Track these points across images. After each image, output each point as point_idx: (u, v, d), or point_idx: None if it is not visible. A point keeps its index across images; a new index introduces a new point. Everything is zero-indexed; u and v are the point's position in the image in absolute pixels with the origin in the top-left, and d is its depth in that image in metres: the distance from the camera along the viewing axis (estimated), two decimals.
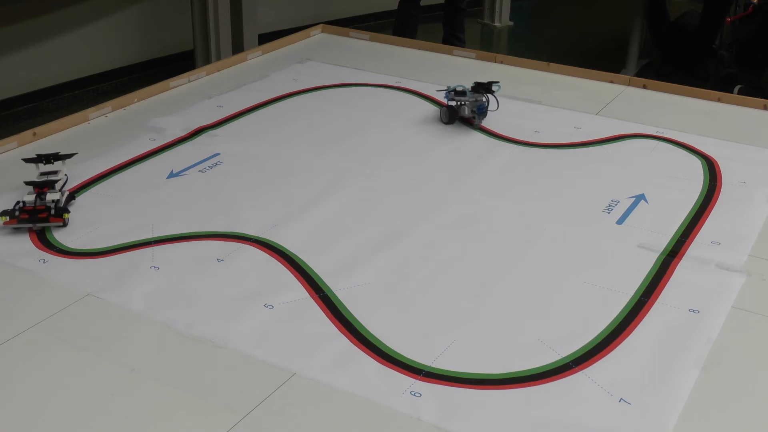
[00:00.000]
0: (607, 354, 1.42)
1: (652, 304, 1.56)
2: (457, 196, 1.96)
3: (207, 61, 4.57)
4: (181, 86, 2.62)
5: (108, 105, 2.42)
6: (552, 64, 2.81)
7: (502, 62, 2.86)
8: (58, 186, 1.85)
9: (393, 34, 4.32)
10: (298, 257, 1.69)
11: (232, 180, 2.03)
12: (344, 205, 1.91)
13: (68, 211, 1.79)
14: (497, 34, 6.14)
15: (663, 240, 1.77)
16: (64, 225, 1.77)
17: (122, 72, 4.81)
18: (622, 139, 2.29)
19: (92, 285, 1.59)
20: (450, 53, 2.97)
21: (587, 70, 2.77)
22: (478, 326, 1.49)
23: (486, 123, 2.36)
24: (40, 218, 1.75)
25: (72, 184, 1.97)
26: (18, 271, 1.64)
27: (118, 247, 1.72)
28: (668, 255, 1.72)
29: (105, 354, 1.41)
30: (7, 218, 1.74)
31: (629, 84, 2.68)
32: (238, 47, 4.70)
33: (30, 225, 1.75)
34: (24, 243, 1.73)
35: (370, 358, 1.40)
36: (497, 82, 2.35)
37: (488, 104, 2.33)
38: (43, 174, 1.89)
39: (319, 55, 2.94)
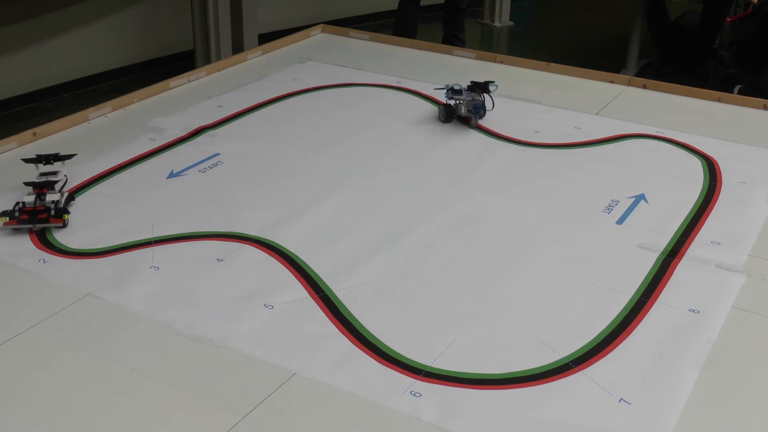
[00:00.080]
0: (607, 354, 1.42)
1: (652, 304, 1.56)
2: (457, 196, 1.96)
3: (207, 61, 4.57)
4: (181, 86, 2.62)
5: (108, 105, 2.42)
6: (552, 64, 2.81)
7: (502, 62, 2.86)
8: (57, 187, 1.85)
9: (393, 34, 4.32)
10: (298, 257, 1.69)
11: (232, 180, 2.03)
12: (344, 205, 1.91)
13: (68, 212, 1.79)
14: (497, 34, 6.15)
15: (663, 240, 1.77)
16: (64, 226, 1.77)
17: (122, 72, 4.81)
18: (622, 139, 2.29)
19: (92, 285, 1.59)
20: (450, 53, 2.97)
21: (587, 70, 2.77)
22: (478, 326, 1.49)
23: (486, 123, 2.36)
24: (39, 219, 1.75)
25: (72, 184, 1.97)
26: (18, 271, 1.64)
27: (118, 247, 1.72)
28: (668, 255, 1.72)
29: (105, 354, 1.41)
30: (7, 219, 1.74)
31: (629, 84, 2.68)
32: (238, 47, 4.70)
33: (30, 226, 1.75)
34: (24, 243, 1.73)
35: (370, 358, 1.40)
36: (493, 81, 2.36)
37: (485, 103, 2.34)
38: (42, 174, 1.89)
39: (319, 55, 2.94)
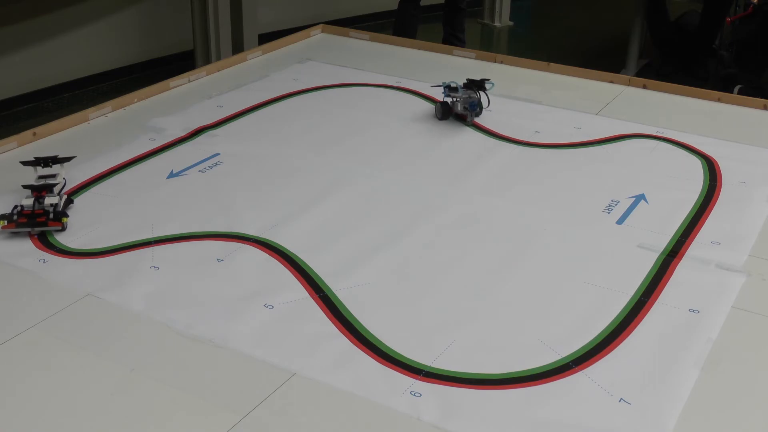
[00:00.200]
0: (607, 354, 1.42)
1: (652, 304, 1.56)
2: (457, 196, 1.96)
3: (207, 61, 4.57)
4: (181, 86, 2.62)
5: (108, 105, 2.42)
6: (552, 64, 2.81)
7: (502, 62, 2.86)
8: (56, 190, 1.84)
9: (393, 34, 4.33)
10: (298, 257, 1.69)
11: (232, 180, 2.03)
12: (344, 205, 1.91)
13: (67, 216, 1.78)
14: (497, 34, 6.15)
15: (663, 240, 1.77)
16: (63, 229, 1.76)
17: (122, 72, 4.81)
18: (622, 139, 2.29)
19: (92, 285, 1.59)
20: (450, 53, 2.97)
21: (587, 70, 2.77)
22: (478, 326, 1.49)
23: (486, 123, 2.36)
24: (38, 222, 1.74)
25: (72, 185, 1.97)
26: (18, 271, 1.64)
27: (118, 247, 1.72)
28: (668, 255, 1.72)
29: (105, 354, 1.41)
30: (5, 222, 1.73)
31: (629, 84, 2.68)
32: (238, 47, 4.70)
33: (28, 229, 1.74)
34: (24, 243, 1.73)
35: (370, 358, 1.40)
36: (489, 79, 2.36)
37: (481, 101, 2.34)
38: (41, 177, 1.88)
39: (319, 55, 2.94)
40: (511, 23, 6.23)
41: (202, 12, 4.62)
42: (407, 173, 2.08)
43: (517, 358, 1.41)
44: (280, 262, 1.67)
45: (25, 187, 1.83)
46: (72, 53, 4.58)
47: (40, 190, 1.81)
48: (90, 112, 2.37)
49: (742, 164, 2.13)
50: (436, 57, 2.94)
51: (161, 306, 1.53)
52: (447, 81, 2.37)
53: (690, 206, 1.92)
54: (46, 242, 1.73)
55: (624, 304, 1.56)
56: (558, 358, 1.41)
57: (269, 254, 1.70)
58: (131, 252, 1.70)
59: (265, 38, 4.35)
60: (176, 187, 1.99)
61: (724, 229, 1.82)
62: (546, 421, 1.27)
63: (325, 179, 2.03)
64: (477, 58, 2.91)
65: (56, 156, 1.94)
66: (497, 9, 6.16)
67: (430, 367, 1.38)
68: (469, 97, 2.33)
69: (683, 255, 1.72)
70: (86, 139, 2.24)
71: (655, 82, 2.67)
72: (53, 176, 1.89)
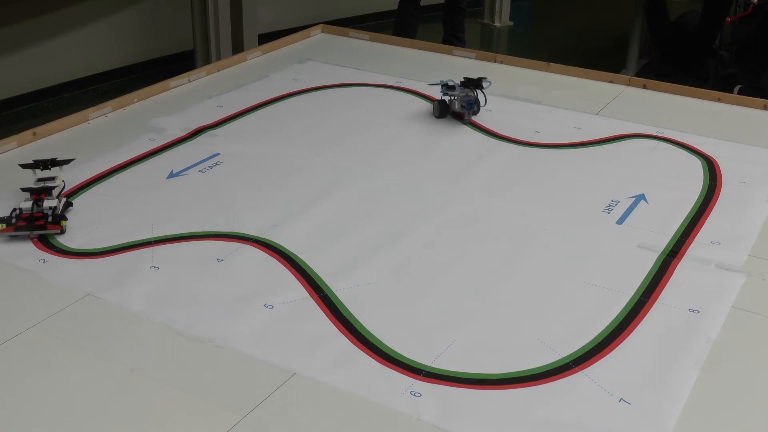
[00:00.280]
0: (607, 354, 1.42)
1: (652, 304, 1.56)
2: (457, 196, 1.96)
3: (207, 61, 4.57)
4: (181, 86, 2.62)
5: (108, 105, 2.42)
6: (552, 64, 2.81)
7: (502, 62, 2.86)
8: (55, 192, 1.83)
9: (393, 34, 4.32)
10: (298, 257, 1.69)
11: (232, 180, 2.03)
12: (344, 205, 1.91)
13: (66, 219, 1.77)
14: (497, 34, 6.15)
15: (663, 240, 1.77)
16: (62, 232, 1.75)
17: (122, 72, 4.81)
18: (622, 139, 2.29)
19: (92, 285, 1.59)
20: (450, 53, 2.97)
21: (587, 70, 2.77)
22: (478, 326, 1.49)
23: (486, 123, 2.36)
24: (37, 226, 1.73)
25: (72, 185, 1.97)
26: (18, 271, 1.64)
27: (118, 247, 1.72)
28: (668, 255, 1.72)
29: (105, 354, 1.41)
30: (3, 226, 1.72)
31: (629, 84, 2.68)
32: (238, 47, 4.70)
33: (27, 233, 1.73)
34: (24, 243, 1.73)
35: (370, 358, 1.40)
36: (486, 78, 2.37)
37: (478, 99, 2.34)
38: (40, 180, 1.86)
39: (319, 55, 2.94)
40: (511, 23, 6.23)
41: (202, 12, 4.62)
42: (407, 173, 2.08)
43: (517, 358, 1.41)
44: (280, 262, 1.67)
45: (23, 189, 1.82)
46: (72, 53, 4.58)
47: (38, 193, 1.80)
48: (90, 112, 2.37)
49: (742, 164, 2.13)
50: (436, 57, 2.94)
51: (161, 306, 1.53)
52: (445, 79, 2.38)
53: (690, 206, 1.92)
54: (46, 242, 1.73)
55: (624, 304, 1.56)
56: (558, 358, 1.41)
57: (269, 254, 1.70)
58: (131, 252, 1.70)
59: (265, 38, 4.36)
60: (176, 187, 1.99)
61: (724, 229, 1.82)
62: (546, 421, 1.27)
63: (325, 179, 2.03)
64: (477, 58, 2.91)
65: (55, 158, 1.92)
66: (497, 9, 6.16)
67: (430, 367, 1.38)
68: (467, 95, 2.34)
69: (683, 255, 1.72)
70: (86, 139, 2.24)
71: (655, 82, 2.67)
72: (52, 179, 1.87)
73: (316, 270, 1.65)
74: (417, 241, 1.76)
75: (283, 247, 1.72)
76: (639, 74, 4.71)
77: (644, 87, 2.66)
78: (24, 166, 1.91)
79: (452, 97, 2.37)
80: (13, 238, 1.74)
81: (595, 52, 5.57)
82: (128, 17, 4.81)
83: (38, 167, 1.89)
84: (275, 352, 1.41)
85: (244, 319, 1.50)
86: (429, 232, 1.80)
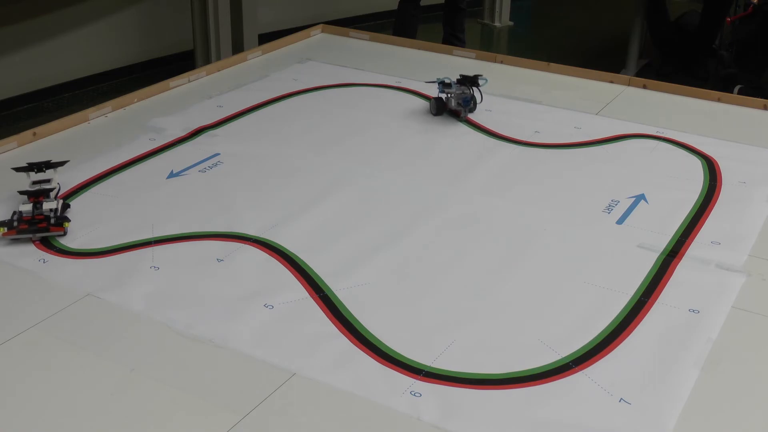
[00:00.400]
0: (607, 354, 1.42)
1: (652, 304, 1.56)
2: (457, 196, 1.96)
3: (207, 61, 4.57)
4: (181, 86, 2.62)
5: (108, 105, 2.42)
6: (552, 64, 2.81)
7: (502, 62, 2.86)
8: (52, 194, 1.82)
9: (393, 34, 4.33)
10: (298, 257, 1.69)
11: (232, 180, 2.03)
12: (344, 205, 1.91)
13: (68, 220, 1.76)
14: (497, 34, 6.15)
15: (663, 240, 1.77)
16: (64, 234, 1.75)
17: (122, 72, 4.81)
18: (622, 139, 2.29)
19: (92, 285, 1.59)
20: (450, 53, 2.97)
21: (587, 70, 2.77)
22: (478, 326, 1.49)
23: (486, 123, 2.36)
24: (39, 228, 1.72)
25: (72, 185, 1.97)
26: (18, 271, 1.64)
27: (118, 247, 1.72)
28: (668, 255, 1.72)
29: (105, 354, 1.41)
30: (5, 229, 1.71)
31: (629, 84, 2.68)
32: (238, 47, 4.70)
33: (29, 235, 1.73)
34: (24, 243, 1.73)
35: (370, 358, 1.40)
36: (482, 75, 2.37)
37: (474, 96, 2.34)
38: (35, 183, 1.85)
39: (319, 55, 2.94)
40: (511, 23, 6.23)
41: (202, 12, 4.62)
42: (407, 173, 2.08)
43: (517, 358, 1.41)
44: (280, 262, 1.67)
45: (21, 192, 1.82)
46: (72, 53, 4.58)
47: (37, 196, 1.79)
48: (90, 112, 2.37)
49: (742, 164, 2.13)
50: (436, 57, 2.94)
51: (161, 306, 1.53)
52: (441, 77, 2.38)
53: (690, 206, 1.92)
54: (46, 242, 1.73)
55: (624, 304, 1.56)
56: (558, 358, 1.41)
57: (269, 254, 1.70)
58: (131, 252, 1.70)
59: (265, 38, 4.36)
60: (176, 187, 1.99)
61: (724, 229, 1.82)
62: (546, 421, 1.27)
63: (325, 179, 2.03)
64: (477, 58, 2.91)
65: (49, 161, 1.91)
66: (497, 9, 6.16)
67: (430, 367, 1.38)
68: (463, 93, 2.35)
69: (683, 255, 1.72)
70: (86, 139, 2.24)
71: (655, 82, 2.67)
72: (47, 181, 1.86)
73: (316, 270, 1.65)
74: (417, 241, 1.76)
75: (283, 247, 1.72)
76: (639, 74, 4.71)
77: (644, 87, 2.66)
78: (18, 169, 1.90)
79: (449, 95, 2.37)
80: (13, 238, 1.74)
81: (595, 52, 5.57)
82: (128, 17, 4.81)
83: (33, 170, 1.88)
84: (275, 352, 1.41)
85: (244, 319, 1.50)
86: (429, 232, 1.80)
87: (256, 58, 2.91)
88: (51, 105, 4.48)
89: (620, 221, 1.85)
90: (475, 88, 2.36)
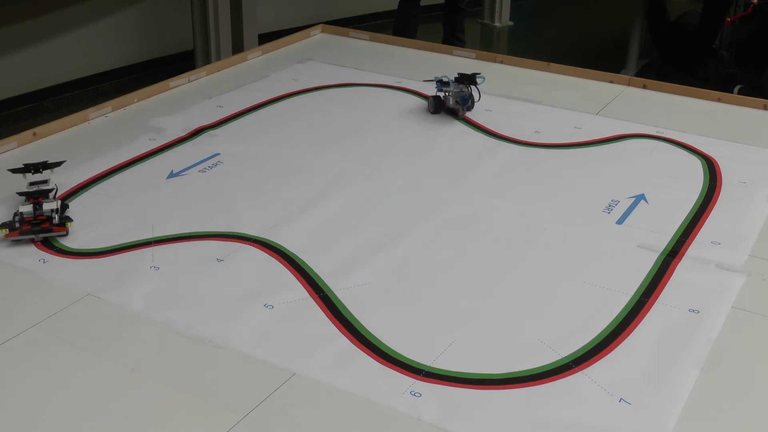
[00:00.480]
0: (607, 354, 1.42)
1: (652, 304, 1.56)
2: (457, 196, 1.96)
3: (207, 61, 4.57)
4: (181, 86, 2.62)
5: (108, 105, 2.42)
6: (552, 64, 2.81)
7: (502, 62, 2.86)
8: (51, 195, 1.81)
9: (393, 34, 4.32)
10: (298, 257, 1.69)
11: (232, 180, 2.03)
12: (344, 205, 1.91)
13: (71, 220, 1.76)
14: (497, 34, 6.15)
15: (663, 240, 1.77)
16: (67, 234, 1.75)
17: (122, 72, 4.81)
18: (622, 139, 2.29)
19: (92, 285, 1.59)
20: (450, 53, 2.97)
21: (587, 70, 2.77)
22: (478, 326, 1.49)
23: (486, 123, 2.36)
24: (42, 229, 1.72)
25: (72, 185, 1.97)
26: (18, 271, 1.64)
27: (118, 247, 1.72)
28: (668, 255, 1.72)
29: (105, 354, 1.41)
30: (7, 231, 1.71)
31: (629, 84, 2.68)
32: (238, 47, 4.70)
33: (32, 236, 1.72)
34: (24, 243, 1.73)
35: (370, 358, 1.40)
36: (479, 73, 2.37)
37: (472, 95, 2.35)
38: (32, 184, 1.84)
39: (319, 55, 2.94)
40: (511, 23, 6.23)
41: (202, 12, 4.62)
42: (407, 173, 2.08)
43: (517, 358, 1.41)
44: (280, 262, 1.67)
45: (20, 194, 1.82)
46: (72, 53, 4.58)
47: (35, 197, 1.79)
48: (90, 112, 2.37)
49: (742, 164, 2.13)
50: (436, 57, 2.94)
51: (161, 306, 1.53)
52: (439, 75, 2.38)
53: (690, 206, 1.92)
54: (46, 242, 1.73)
55: (624, 304, 1.56)
56: (558, 358, 1.41)
57: (269, 254, 1.70)
58: (131, 252, 1.70)
59: (265, 38, 4.36)
60: (176, 187, 1.99)
61: (724, 229, 1.82)
62: (546, 421, 1.27)
63: (325, 179, 2.03)
64: (477, 58, 2.91)
65: (46, 162, 1.90)
66: (497, 9, 6.16)
67: (430, 367, 1.38)
68: (461, 91, 2.35)
69: (683, 255, 1.72)
70: (86, 139, 2.24)
71: (655, 82, 2.67)
72: (45, 182, 1.85)
73: (316, 270, 1.65)
74: (417, 241, 1.76)
75: (283, 247, 1.72)
76: (639, 74, 4.71)
77: (644, 87, 2.66)
78: (14, 170, 1.89)
79: (446, 93, 2.38)
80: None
81: (595, 52, 5.57)
82: (128, 17, 4.81)
83: (29, 171, 1.87)
84: (275, 352, 1.41)
85: (244, 319, 1.50)
86: (429, 232, 1.80)
87: (256, 58, 2.91)
88: (51, 105, 4.48)
89: (620, 221, 1.85)
90: (473, 87, 2.36)
